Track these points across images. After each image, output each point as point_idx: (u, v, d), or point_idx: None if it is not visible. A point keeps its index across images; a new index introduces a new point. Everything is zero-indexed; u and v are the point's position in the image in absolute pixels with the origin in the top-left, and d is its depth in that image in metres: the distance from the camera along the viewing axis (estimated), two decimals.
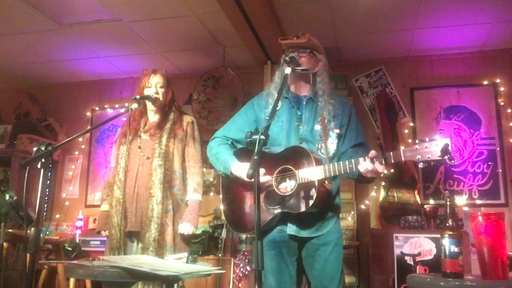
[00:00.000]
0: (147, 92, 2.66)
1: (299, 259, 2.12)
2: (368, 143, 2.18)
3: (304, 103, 2.16)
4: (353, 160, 1.85)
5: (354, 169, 1.85)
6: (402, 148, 1.74)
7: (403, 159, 1.72)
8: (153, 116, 2.73)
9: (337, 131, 2.10)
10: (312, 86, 2.19)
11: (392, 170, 4.17)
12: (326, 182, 1.94)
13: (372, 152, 1.80)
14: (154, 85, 2.67)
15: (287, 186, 2.00)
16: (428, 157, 1.65)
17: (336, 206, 2.14)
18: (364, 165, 1.80)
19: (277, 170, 2.02)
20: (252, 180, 1.50)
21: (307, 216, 2.00)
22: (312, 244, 2.07)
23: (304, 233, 2.04)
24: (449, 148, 1.63)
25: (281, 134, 2.12)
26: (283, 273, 2.06)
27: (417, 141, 1.72)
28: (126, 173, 2.56)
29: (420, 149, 1.67)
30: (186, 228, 2.55)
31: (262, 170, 1.99)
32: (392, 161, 1.74)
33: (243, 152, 2.18)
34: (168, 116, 2.69)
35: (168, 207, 2.53)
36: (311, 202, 1.90)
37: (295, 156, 1.98)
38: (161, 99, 2.67)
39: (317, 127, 2.10)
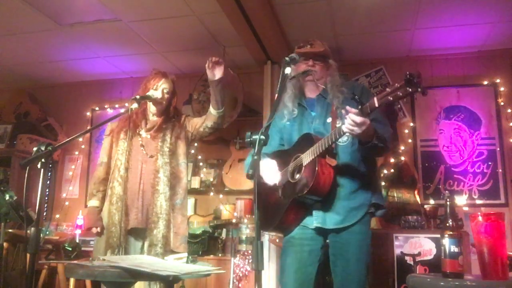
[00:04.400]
0: (152, 94, 2.65)
1: (324, 261, 2.12)
2: (383, 119, 2.12)
3: (316, 101, 2.23)
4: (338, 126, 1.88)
5: (341, 133, 1.85)
6: (375, 97, 1.70)
7: (377, 104, 1.69)
8: (152, 117, 2.72)
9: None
10: (322, 85, 2.23)
11: (392, 170, 4.17)
12: (328, 158, 1.95)
13: (348, 107, 1.79)
14: (161, 90, 2.66)
15: (299, 172, 2.07)
16: (400, 95, 1.60)
17: (364, 193, 2.09)
18: (345, 123, 1.78)
19: (291, 161, 2.12)
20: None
21: (331, 204, 2.03)
22: (334, 242, 2.08)
23: (330, 224, 2.04)
24: (413, 78, 1.56)
25: (296, 134, 2.21)
26: (301, 273, 2.06)
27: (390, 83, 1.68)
28: (127, 170, 2.55)
29: (390, 90, 1.64)
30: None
31: (274, 167, 2.10)
32: (369, 111, 1.73)
33: (275, 154, 2.27)
34: (169, 119, 2.71)
35: (176, 201, 2.57)
36: (311, 182, 1.92)
37: (305, 143, 2.06)
38: (164, 104, 2.68)
39: (329, 119, 2.13)
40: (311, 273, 2.07)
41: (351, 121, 1.75)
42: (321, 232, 2.08)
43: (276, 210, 2.13)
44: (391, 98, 1.63)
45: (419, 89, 1.56)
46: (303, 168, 2.01)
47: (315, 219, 2.06)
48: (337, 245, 2.07)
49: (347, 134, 1.85)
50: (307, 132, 2.11)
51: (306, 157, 2.00)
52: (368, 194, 2.11)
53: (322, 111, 2.18)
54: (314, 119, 2.18)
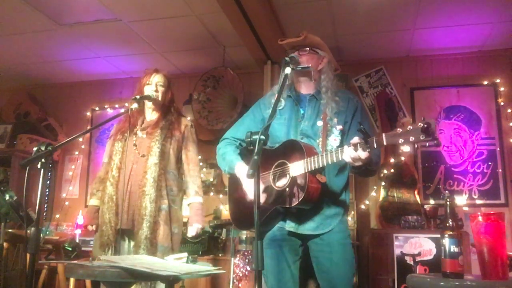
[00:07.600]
0: (147, 90, 2.67)
1: (306, 261, 2.10)
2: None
3: (307, 101, 2.16)
4: (338, 149, 1.82)
5: (340, 158, 1.81)
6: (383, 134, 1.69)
7: (385, 143, 1.66)
8: (150, 115, 2.73)
9: (340, 127, 2.07)
10: (316, 84, 2.18)
11: (392, 170, 4.17)
12: (318, 175, 1.90)
13: (355, 139, 1.76)
14: (154, 84, 2.68)
15: (283, 181, 1.99)
16: (412, 140, 1.58)
17: (340, 202, 2.09)
18: (347, 152, 1.76)
19: (274, 165, 2.03)
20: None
21: (306, 213, 1.99)
22: (315, 244, 2.05)
23: (304, 230, 2.02)
24: (431, 128, 1.55)
25: (282, 131, 2.14)
26: (284, 273, 2.04)
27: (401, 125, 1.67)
28: (119, 170, 2.56)
29: (402, 132, 1.61)
30: (195, 229, 2.64)
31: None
32: (375, 146, 1.70)
33: (249, 150, 2.19)
34: (166, 116, 2.70)
35: (162, 206, 2.52)
36: (301, 196, 1.88)
37: (291, 150, 1.99)
38: (160, 98, 2.68)
39: (319, 123, 2.08)
40: (293, 272, 2.06)
41: (356, 155, 1.73)
42: (298, 236, 2.06)
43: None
44: (402, 140, 1.60)
45: (435, 142, 1.56)
46: (290, 178, 1.94)
47: (287, 224, 2.04)
48: (318, 247, 2.04)
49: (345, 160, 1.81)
50: (294, 140, 2.03)
51: (296, 169, 1.92)
52: (344, 202, 2.12)
53: (312, 113, 2.12)
54: (303, 119, 2.12)
